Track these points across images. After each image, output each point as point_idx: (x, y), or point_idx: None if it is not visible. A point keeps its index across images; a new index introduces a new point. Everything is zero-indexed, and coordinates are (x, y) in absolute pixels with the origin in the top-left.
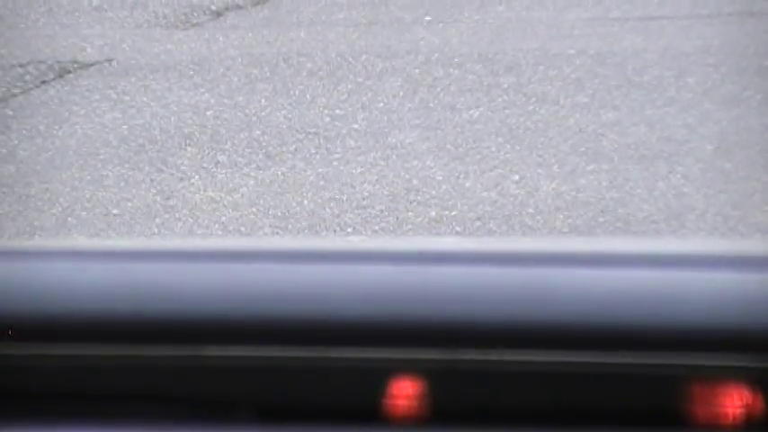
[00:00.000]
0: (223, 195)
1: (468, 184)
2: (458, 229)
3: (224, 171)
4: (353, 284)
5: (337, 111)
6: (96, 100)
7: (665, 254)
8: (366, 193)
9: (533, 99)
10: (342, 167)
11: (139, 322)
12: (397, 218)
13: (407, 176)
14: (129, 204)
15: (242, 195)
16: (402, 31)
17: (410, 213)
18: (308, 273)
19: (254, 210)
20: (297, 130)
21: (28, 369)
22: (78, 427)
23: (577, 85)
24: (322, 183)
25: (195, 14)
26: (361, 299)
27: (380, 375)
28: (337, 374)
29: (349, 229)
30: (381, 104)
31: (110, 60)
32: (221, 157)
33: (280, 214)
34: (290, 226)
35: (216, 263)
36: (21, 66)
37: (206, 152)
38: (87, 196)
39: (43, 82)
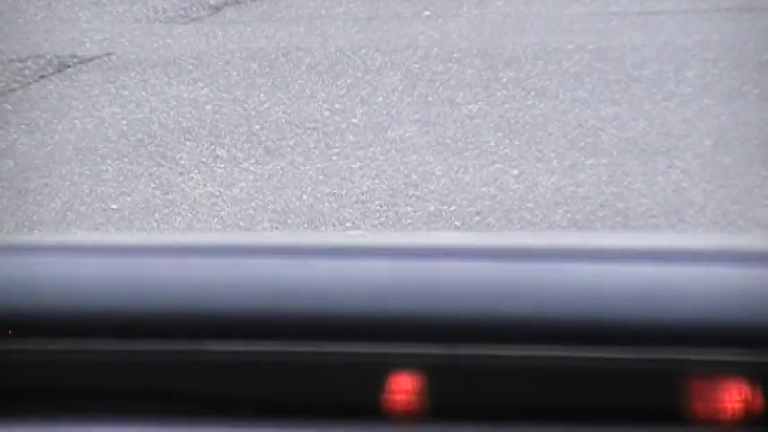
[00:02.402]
0: (222, 190)
1: (467, 179)
2: (457, 223)
3: (223, 166)
4: (352, 279)
5: (336, 105)
6: (95, 95)
7: (664, 249)
8: (365, 188)
9: (532, 94)
10: (341, 162)
11: (139, 317)
12: (396, 213)
13: (406, 171)
14: (129, 199)
15: (241, 190)
16: (401, 25)
17: (409, 208)
18: (307, 268)
19: (253, 204)
20: (296, 125)
21: (26, 365)
22: (78, 424)
23: (576, 79)
24: (321, 177)
25: (194, 9)
26: (359, 294)
27: (379, 370)
28: (336, 369)
29: (348, 224)
30: (380, 99)
31: (109, 55)
32: (220, 152)
33: (279, 209)
34: (289, 221)
35: (215, 258)
36: (20, 60)
37: (205, 147)
38: (86, 191)
39: (42, 77)
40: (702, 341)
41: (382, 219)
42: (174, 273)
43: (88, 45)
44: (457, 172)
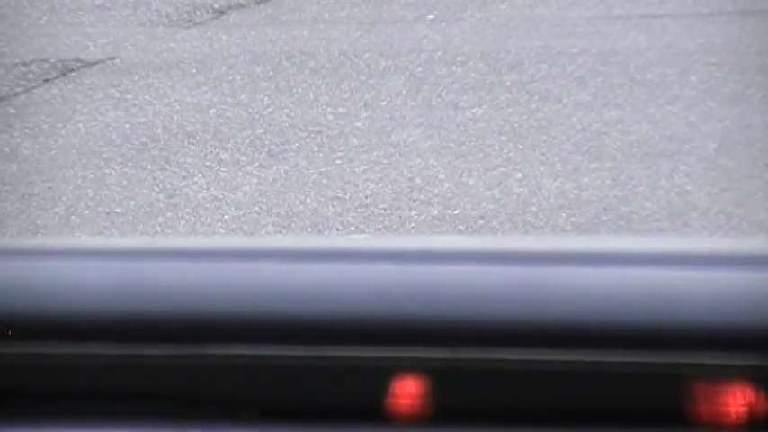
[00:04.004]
0: (226, 194)
1: (470, 183)
2: (461, 227)
3: (227, 169)
4: (356, 283)
5: (340, 109)
6: (99, 98)
7: (667, 252)
8: (369, 192)
9: (536, 97)
10: (344, 166)
11: (142, 321)
12: (400, 216)
13: (410, 175)
14: (132, 203)
15: (245, 194)
16: (405, 29)
17: (413, 212)
18: (311, 271)
19: (256, 208)
20: (299, 129)
21: (29, 368)
22: (80, 427)
23: (580, 83)
24: (325, 181)
25: (198, 13)
26: (363, 298)
27: (383, 374)
28: (340, 373)
29: (352, 228)
30: (384, 103)
31: (113, 59)
32: (224, 156)
33: (282, 213)
34: (292, 224)
35: (219, 262)
36: (24, 64)
37: (209, 151)
38: (90, 195)
39: (46, 80)
40: (707, 344)
41: (386, 222)
42: (177, 276)
43: (92, 49)
44: (461, 176)
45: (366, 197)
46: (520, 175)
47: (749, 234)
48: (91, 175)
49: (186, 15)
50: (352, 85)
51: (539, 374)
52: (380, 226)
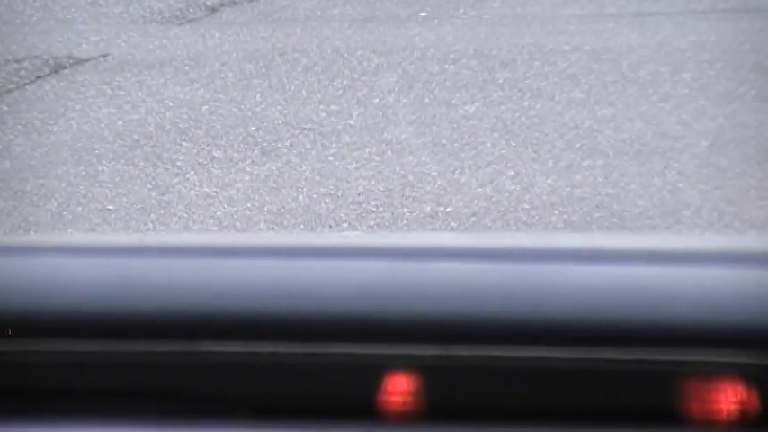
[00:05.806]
0: (218, 191)
1: (463, 180)
2: (453, 224)
3: (219, 166)
4: (348, 280)
5: (332, 106)
6: (92, 95)
7: (660, 250)
8: (361, 189)
9: (528, 95)
10: (337, 163)
11: (135, 318)
12: (393, 213)
13: (403, 172)
14: (125, 200)
15: (237, 191)
16: (397, 26)
17: (405, 209)
18: (303, 268)
19: (249, 205)
20: (292, 126)
21: (22, 365)
22: (75, 424)
23: (573, 80)
24: (317, 178)
25: (190, 10)
26: (355, 295)
27: (375, 371)
28: (332, 370)
29: (344, 225)
30: (377, 100)
31: (105, 56)
32: (216, 153)
33: (275, 210)
34: (285, 222)
35: (211, 258)
36: (16, 61)
37: (201, 148)
38: (83, 192)
39: (38, 77)
40: (698, 342)
41: (378, 220)
42: (170, 273)
43: (84, 46)
44: (453, 173)
45: (358, 194)
46: (512, 172)
47: (741, 232)
48: (83, 172)
49: (179, 12)
50: (345, 82)
51: (530, 372)
52: (373, 223)
